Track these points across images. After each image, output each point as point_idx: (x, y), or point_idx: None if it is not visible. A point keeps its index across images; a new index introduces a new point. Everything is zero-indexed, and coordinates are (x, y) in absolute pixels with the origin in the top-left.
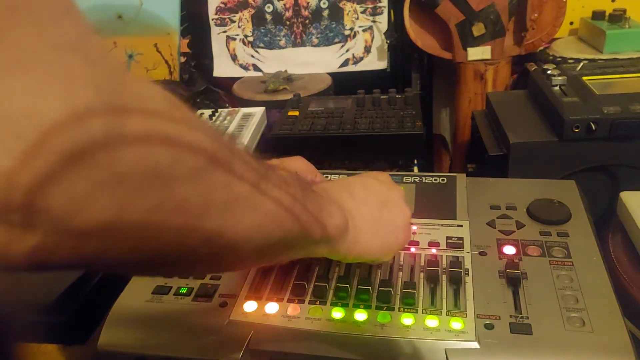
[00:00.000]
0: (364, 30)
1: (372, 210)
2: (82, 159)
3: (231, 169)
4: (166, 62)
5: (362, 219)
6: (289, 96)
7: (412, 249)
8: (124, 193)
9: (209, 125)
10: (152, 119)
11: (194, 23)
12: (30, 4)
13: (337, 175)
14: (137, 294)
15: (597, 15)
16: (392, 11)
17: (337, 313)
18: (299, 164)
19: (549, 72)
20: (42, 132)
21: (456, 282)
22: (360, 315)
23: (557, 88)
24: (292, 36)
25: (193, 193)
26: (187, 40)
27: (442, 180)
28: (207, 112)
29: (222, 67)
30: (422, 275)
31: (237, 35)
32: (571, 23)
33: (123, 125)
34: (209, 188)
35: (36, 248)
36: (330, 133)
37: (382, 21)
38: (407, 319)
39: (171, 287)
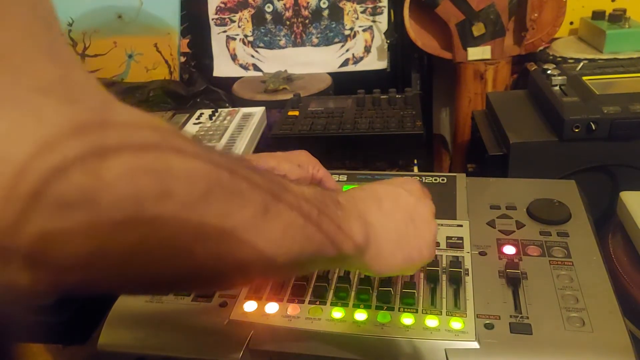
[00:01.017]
0: (364, 30)
1: (398, 224)
2: (56, 202)
3: (231, 198)
4: (166, 62)
5: (386, 234)
6: (289, 96)
7: None
8: (103, 232)
9: (210, 150)
10: (135, 158)
11: (194, 23)
12: (8, 50)
13: (337, 175)
14: None
15: (597, 15)
16: (392, 11)
17: (337, 313)
18: (302, 158)
19: (549, 72)
20: (14, 177)
21: (456, 282)
22: (360, 315)
23: (557, 88)
24: (292, 36)
25: (182, 227)
26: (187, 40)
27: (442, 180)
28: (207, 112)
29: (222, 67)
30: (422, 275)
31: (237, 35)
32: (571, 23)
33: (100, 167)
34: (201, 221)
35: (17, 282)
36: (330, 133)
37: (382, 21)
38: (407, 319)
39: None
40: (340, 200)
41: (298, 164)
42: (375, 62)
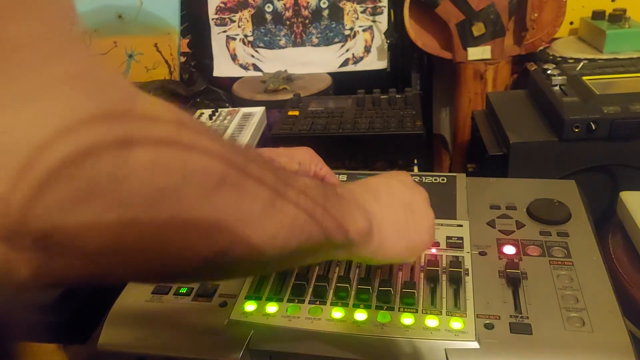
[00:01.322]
0: (364, 30)
1: (397, 213)
2: (86, 183)
3: (244, 185)
4: (166, 61)
5: (388, 222)
6: (289, 96)
7: None
8: (129, 217)
9: (222, 140)
10: (158, 145)
11: (194, 23)
12: (33, 41)
13: (337, 175)
14: (137, 293)
15: (597, 15)
16: (392, 11)
17: (337, 313)
18: (305, 155)
19: (549, 72)
20: (50, 162)
21: (456, 282)
22: (360, 315)
23: (557, 88)
24: (292, 36)
25: (202, 212)
26: (187, 40)
27: (442, 180)
28: (207, 112)
29: (222, 67)
30: (422, 275)
31: (237, 35)
32: (571, 23)
33: (127, 154)
34: (219, 206)
35: (49, 270)
36: (330, 133)
37: (382, 21)
38: (407, 319)
39: (171, 287)
40: (340, 192)
41: (298, 161)
42: (375, 62)
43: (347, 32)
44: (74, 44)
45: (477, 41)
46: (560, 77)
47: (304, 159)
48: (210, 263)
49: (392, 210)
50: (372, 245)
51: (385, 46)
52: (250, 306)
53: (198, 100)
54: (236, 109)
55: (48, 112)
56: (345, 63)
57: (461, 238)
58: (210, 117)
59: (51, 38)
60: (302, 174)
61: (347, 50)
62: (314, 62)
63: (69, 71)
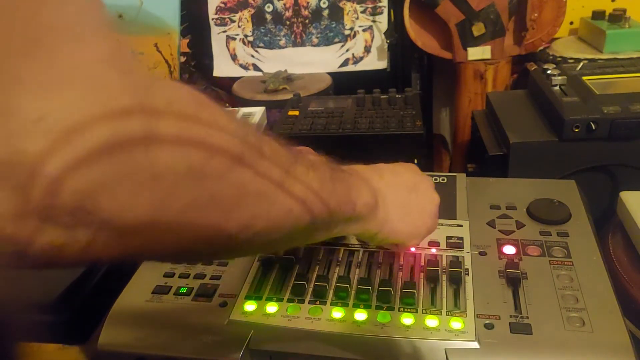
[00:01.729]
0: (364, 30)
1: (400, 192)
2: (124, 161)
3: (260, 161)
4: (166, 61)
5: (392, 199)
6: (289, 96)
7: (412, 249)
8: (162, 192)
9: (237, 119)
10: (182, 122)
11: (194, 23)
12: (70, 24)
13: None
14: (137, 293)
15: (597, 15)
16: (392, 11)
17: (337, 313)
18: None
19: (549, 72)
20: (87, 143)
21: (456, 282)
22: (360, 315)
23: (557, 88)
24: (292, 36)
25: (225, 188)
26: (187, 40)
27: (442, 180)
28: None
29: (222, 67)
30: (422, 275)
31: (237, 35)
32: (571, 23)
33: (157, 128)
34: (239, 181)
35: (85, 246)
36: (330, 133)
37: (382, 21)
38: (407, 319)
39: (171, 287)
40: (345, 169)
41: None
42: (375, 62)
43: (347, 32)
44: (101, 27)
45: (477, 41)
46: (560, 77)
47: None
48: (235, 238)
49: (396, 189)
50: (378, 219)
51: (385, 46)
52: (250, 306)
53: None
54: (236, 109)
55: (81, 96)
56: (345, 63)
57: (461, 238)
58: None
59: (81, 22)
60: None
61: (347, 50)
62: (314, 62)
63: (99, 55)
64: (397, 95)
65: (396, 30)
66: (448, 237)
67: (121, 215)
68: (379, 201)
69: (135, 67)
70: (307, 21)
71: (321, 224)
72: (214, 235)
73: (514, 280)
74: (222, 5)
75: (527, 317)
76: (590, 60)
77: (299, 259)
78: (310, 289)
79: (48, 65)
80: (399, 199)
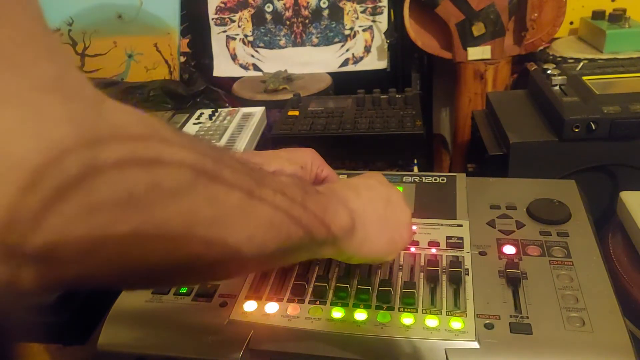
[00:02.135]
0: (364, 30)
1: (377, 209)
2: (54, 194)
3: (218, 183)
4: (166, 61)
5: (369, 218)
6: (289, 96)
7: (412, 249)
8: (100, 222)
9: (195, 140)
10: (126, 148)
11: (194, 23)
12: (8, 49)
13: (338, 176)
14: (137, 294)
15: (597, 15)
16: (392, 11)
17: (337, 313)
18: (307, 157)
19: (549, 71)
20: (15, 172)
21: (456, 281)
22: (360, 315)
23: (557, 88)
24: (292, 36)
25: (174, 214)
26: (187, 40)
27: (442, 180)
28: (207, 111)
29: (222, 67)
30: (422, 275)
31: (237, 35)
32: (571, 23)
33: (96, 157)
34: (192, 207)
35: (17, 280)
36: (330, 133)
37: (382, 21)
38: (407, 319)
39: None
40: (320, 190)
41: (301, 165)
42: (375, 62)
43: (347, 32)
44: (44, 53)
45: (477, 41)
46: (560, 77)
47: (305, 161)
48: (188, 266)
49: (373, 206)
50: (356, 241)
51: (385, 46)
52: (250, 306)
53: (198, 100)
54: (236, 109)
55: (14, 124)
56: (345, 63)
57: (461, 238)
58: (210, 117)
59: (20, 48)
60: (300, 176)
61: (347, 50)
62: (314, 62)
63: (38, 82)
64: (397, 95)
65: (396, 30)
66: (448, 237)
67: (50, 248)
68: (357, 222)
69: (80, 93)
70: (307, 21)
71: (293, 247)
72: (164, 263)
73: (514, 280)
74: (222, 5)
75: (527, 317)
76: (590, 60)
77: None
78: (310, 289)
79: None
80: (375, 215)
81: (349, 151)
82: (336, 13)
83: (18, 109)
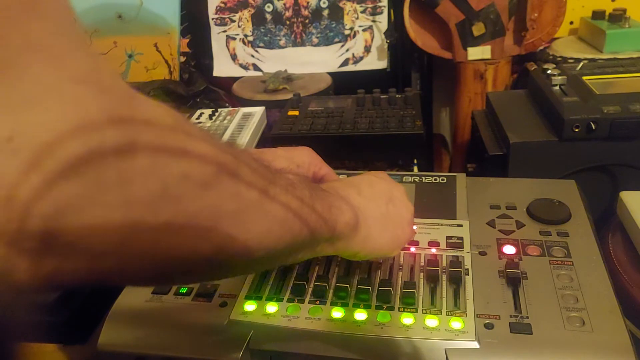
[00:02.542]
0: (364, 30)
1: (379, 205)
2: (94, 184)
3: (239, 179)
4: (166, 61)
5: (372, 215)
6: (289, 96)
7: (412, 249)
8: (135, 214)
9: (214, 137)
10: (159, 141)
11: (194, 23)
12: (47, 41)
13: (338, 175)
14: (137, 293)
15: (597, 15)
16: (392, 11)
17: (337, 313)
18: (304, 156)
19: (549, 71)
20: (58, 162)
21: (456, 281)
22: (360, 315)
23: (557, 88)
24: (292, 36)
25: (203, 206)
26: (187, 40)
27: (442, 179)
28: (207, 111)
29: (222, 67)
30: (422, 275)
31: (237, 34)
32: (571, 23)
33: (132, 147)
34: (218, 200)
35: (53, 272)
36: (330, 133)
37: (382, 21)
38: (407, 319)
39: (171, 286)
40: (324, 188)
41: (297, 164)
42: (375, 61)
43: (347, 32)
44: (78, 45)
45: (477, 41)
46: (560, 77)
47: (302, 160)
48: (210, 261)
49: (375, 203)
50: (359, 238)
51: (385, 46)
52: (250, 306)
53: (198, 100)
54: (236, 108)
55: (53, 115)
56: (345, 63)
57: (461, 238)
58: (210, 117)
59: (56, 39)
60: (298, 174)
61: (347, 50)
62: (314, 62)
63: (74, 73)
64: (397, 95)
65: (396, 30)
66: (448, 237)
67: (88, 239)
68: (360, 219)
69: (114, 85)
70: (307, 21)
71: (301, 245)
72: (190, 257)
73: (514, 280)
74: (222, 5)
75: (527, 317)
76: (590, 60)
77: None
78: (310, 289)
79: (19, 84)
80: (378, 212)
81: (349, 151)
82: (336, 13)
83: (57, 101)
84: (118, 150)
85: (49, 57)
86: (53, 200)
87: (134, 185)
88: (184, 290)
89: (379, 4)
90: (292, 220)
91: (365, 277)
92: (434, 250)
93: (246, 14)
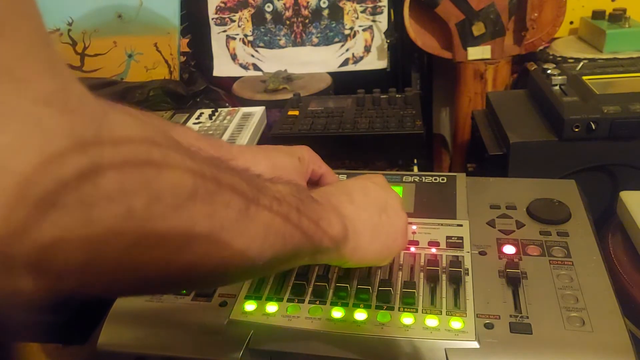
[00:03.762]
0: (364, 30)
1: (371, 215)
2: (54, 207)
3: (215, 198)
4: (166, 61)
5: (362, 225)
6: (289, 96)
7: (412, 249)
8: (98, 236)
9: (194, 153)
10: (126, 162)
11: (194, 22)
12: (9, 62)
13: (337, 175)
14: None
15: (597, 14)
16: (392, 10)
17: (337, 313)
18: (304, 153)
19: (549, 71)
20: (17, 185)
21: (456, 281)
22: (360, 314)
23: (557, 88)
24: (292, 36)
25: (172, 229)
26: (187, 40)
27: (442, 179)
28: (207, 111)
29: (222, 67)
30: (422, 274)
31: (237, 34)
32: (571, 22)
33: (96, 172)
34: (189, 222)
35: (14, 290)
36: (330, 133)
37: (382, 20)
38: (407, 319)
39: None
40: (314, 197)
41: (298, 157)
42: (375, 61)
43: (347, 32)
44: (47, 66)
45: (477, 41)
46: (560, 77)
47: (302, 154)
48: (187, 274)
49: (367, 212)
50: (348, 249)
51: (385, 46)
52: (250, 306)
53: (198, 100)
54: (236, 108)
55: (14, 139)
56: (345, 63)
57: (461, 238)
58: (210, 117)
59: (22, 62)
60: (300, 176)
61: (347, 50)
62: (314, 61)
63: (38, 95)
64: (397, 95)
65: (396, 30)
66: (448, 237)
67: (48, 261)
68: (349, 230)
69: (81, 105)
70: (307, 21)
71: (284, 259)
72: (158, 275)
73: (514, 280)
74: (222, 5)
75: (527, 317)
76: (590, 60)
77: None
78: (310, 289)
79: None
80: (369, 223)
81: (349, 151)
82: (336, 13)
83: (18, 123)
84: (81, 174)
85: (12, 79)
86: (11, 224)
87: (97, 209)
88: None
89: (379, 4)
90: (277, 231)
91: (365, 277)
92: (434, 250)
93: (246, 13)
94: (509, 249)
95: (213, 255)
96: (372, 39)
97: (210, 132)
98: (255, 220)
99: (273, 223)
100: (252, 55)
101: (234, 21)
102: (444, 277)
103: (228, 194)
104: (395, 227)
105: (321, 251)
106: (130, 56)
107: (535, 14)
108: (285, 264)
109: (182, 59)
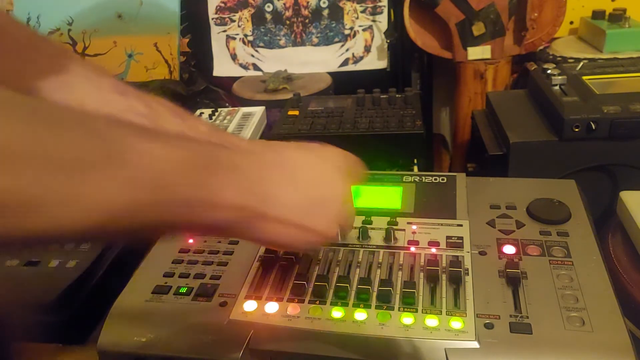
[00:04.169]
0: (364, 30)
1: (300, 197)
2: None
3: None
4: (166, 61)
5: (283, 204)
6: (289, 96)
7: (412, 249)
8: None
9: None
10: None
11: (194, 22)
12: None
13: None
14: (137, 293)
15: (597, 14)
16: (392, 10)
17: (337, 312)
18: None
19: (549, 71)
20: None
21: (456, 281)
22: (360, 314)
23: (557, 87)
24: (292, 35)
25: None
26: (187, 40)
27: (442, 179)
28: (207, 111)
29: (222, 67)
30: (422, 274)
31: (237, 34)
32: (571, 22)
33: None
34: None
35: None
36: (330, 132)
37: (382, 20)
38: (407, 319)
39: (171, 286)
40: (239, 163)
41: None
42: (375, 61)
43: (347, 32)
44: None
45: (477, 41)
46: (560, 77)
47: (333, 160)
48: (40, 237)
49: (295, 193)
50: (251, 227)
51: (385, 46)
52: (250, 306)
53: (198, 99)
54: (236, 108)
55: None
56: (345, 63)
57: (461, 238)
58: (210, 116)
59: None
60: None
61: (347, 50)
62: (314, 61)
63: None
64: (397, 95)
65: (396, 30)
66: (448, 237)
67: None
68: (258, 209)
69: None
70: (307, 21)
71: (167, 220)
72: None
73: (514, 280)
74: (222, 4)
75: (527, 317)
76: (590, 60)
77: (298, 259)
78: (310, 289)
79: None
80: (294, 204)
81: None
82: (336, 13)
83: None
84: None
85: None
86: None
87: None
88: (183, 290)
89: (379, 4)
90: (138, 192)
91: (365, 277)
92: (434, 250)
93: (246, 13)
94: (509, 249)
95: (65, 222)
96: (372, 39)
97: None
98: (122, 169)
99: (144, 178)
100: (252, 55)
101: (234, 21)
102: (444, 277)
103: (88, 144)
104: (325, 216)
105: (208, 217)
106: (130, 56)
107: (535, 14)
108: (174, 227)
109: (182, 58)
